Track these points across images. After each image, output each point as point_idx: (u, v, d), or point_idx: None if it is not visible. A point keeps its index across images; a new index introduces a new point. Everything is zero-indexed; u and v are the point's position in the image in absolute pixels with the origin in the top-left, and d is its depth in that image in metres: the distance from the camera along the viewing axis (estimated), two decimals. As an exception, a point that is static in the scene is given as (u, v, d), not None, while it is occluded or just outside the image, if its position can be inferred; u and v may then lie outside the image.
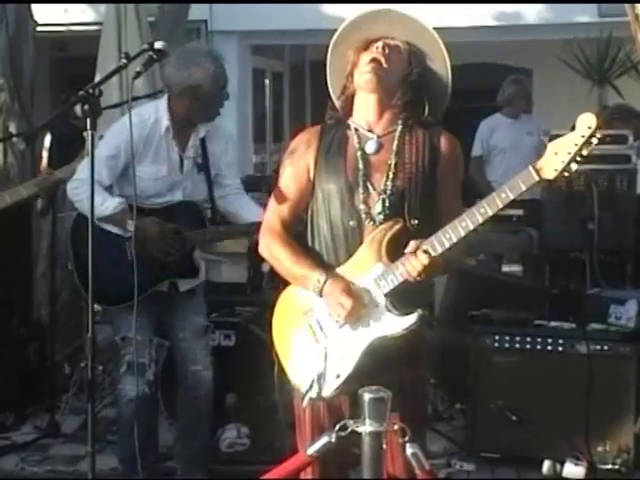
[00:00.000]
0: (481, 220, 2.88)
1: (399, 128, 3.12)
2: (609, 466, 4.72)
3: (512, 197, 2.85)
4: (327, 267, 3.10)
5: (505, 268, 7.67)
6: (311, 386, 3.05)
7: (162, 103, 4.35)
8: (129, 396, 4.26)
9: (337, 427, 2.72)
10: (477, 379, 4.97)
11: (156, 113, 4.31)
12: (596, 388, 4.67)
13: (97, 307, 4.40)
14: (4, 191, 4.83)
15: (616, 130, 6.55)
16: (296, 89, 13.00)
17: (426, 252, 2.89)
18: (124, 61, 3.31)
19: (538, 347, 4.89)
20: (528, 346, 4.91)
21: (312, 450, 2.79)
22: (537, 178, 2.83)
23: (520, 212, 6.70)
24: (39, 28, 7.02)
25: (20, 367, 5.79)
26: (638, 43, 6.53)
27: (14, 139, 6.37)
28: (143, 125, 4.22)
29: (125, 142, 4.13)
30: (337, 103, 3.22)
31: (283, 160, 3.27)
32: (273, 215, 3.23)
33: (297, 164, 3.19)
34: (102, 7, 7.16)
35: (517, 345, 4.92)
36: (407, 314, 2.97)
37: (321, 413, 3.15)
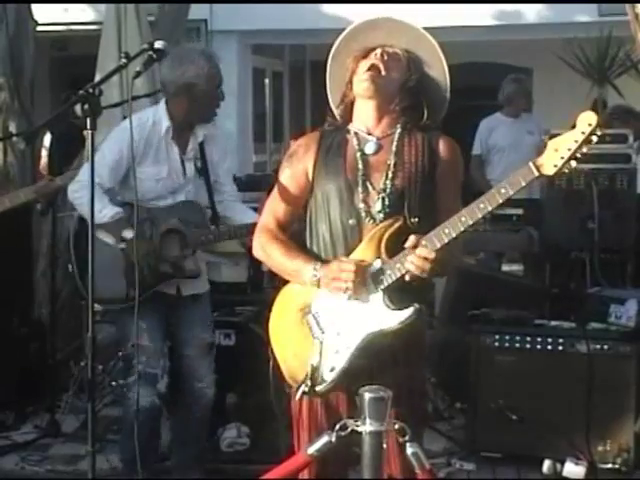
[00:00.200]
0: (480, 216, 2.90)
1: (398, 131, 3.14)
2: (609, 465, 4.72)
3: (512, 193, 2.86)
4: (322, 262, 3.11)
5: (505, 267, 7.67)
6: (304, 380, 3.05)
7: (160, 106, 4.37)
8: (139, 406, 4.14)
9: (337, 427, 2.72)
10: (477, 378, 4.97)
11: (154, 116, 4.32)
12: (596, 387, 4.67)
13: (97, 307, 4.41)
14: (4, 195, 4.84)
15: (616, 129, 6.55)
16: (296, 89, 13.01)
17: (425, 249, 2.90)
18: (124, 61, 3.31)
19: (538, 346, 4.89)
20: (528, 345, 4.91)
21: (312, 450, 2.79)
22: (537, 174, 2.84)
23: (520, 211, 6.70)
24: (39, 28, 7.02)
25: (20, 366, 5.79)
26: (638, 42, 6.53)
27: (14, 138, 6.38)
28: (142, 127, 4.23)
29: (126, 144, 4.14)
30: (336, 112, 3.24)
31: (282, 163, 3.29)
32: (268, 216, 3.25)
33: (295, 167, 3.20)
34: (102, 7, 7.15)
35: (517, 344, 4.92)
36: (403, 308, 2.97)
37: (319, 413, 3.15)
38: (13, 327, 5.88)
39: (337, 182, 3.11)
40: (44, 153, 5.46)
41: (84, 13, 10.41)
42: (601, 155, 6.35)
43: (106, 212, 4.19)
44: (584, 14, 10.20)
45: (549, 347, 4.87)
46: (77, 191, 4.25)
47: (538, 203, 6.85)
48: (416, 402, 3.20)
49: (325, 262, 3.10)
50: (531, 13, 10.45)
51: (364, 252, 3.05)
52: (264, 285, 5.61)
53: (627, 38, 7.22)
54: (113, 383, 5.65)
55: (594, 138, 2.80)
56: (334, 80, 3.24)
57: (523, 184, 2.86)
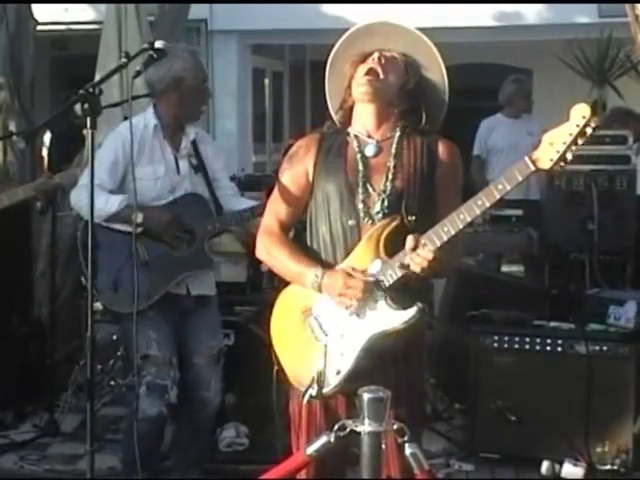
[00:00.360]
0: (478, 212, 2.89)
1: (397, 134, 3.15)
2: (608, 467, 4.72)
3: (509, 188, 2.85)
4: (325, 265, 3.12)
5: (504, 268, 7.67)
6: (311, 384, 3.05)
7: (149, 111, 4.39)
8: (146, 416, 4.15)
9: (336, 427, 2.73)
10: (476, 379, 4.97)
11: (145, 119, 4.35)
12: (595, 388, 4.67)
13: (97, 306, 4.41)
14: (2, 193, 4.84)
15: (616, 131, 6.56)
16: (296, 89, 13.01)
17: (425, 247, 2.90)
18: (124, 60, 3.32)
19: (537, 347, 4.89)
20: (527, 346, 4.91)
21: (311, 450, 2.79)
22: (533, 168, 2.84)
23: (520, 212, 6.70)
24: (39, 27, 7.02)
25: (20, 365, 5.79)
26: (638, 44, 6.53)
27: (14, 138, 6.38)
28: (134, 130, 4.22)
29: (121, 147, 4.22)
30: (336, 117, 3.25)
31: (282, 164, 3.30)
32: (271, 217, 3.26)
33: (296, 168, 3.22)
34: (102, 6, 7.15)
35: (516, 345, 4.92)
36: (406, 308, 2.98)
37: (317, 414, 3.16)
38: (12, 326, 5.88)
39: (337, 183, 3.12)
40: (45, 153, 5.45)
41: (84, 13, 10.42)
42: (601, 156, 6.36)
43: (112, 202, 4.21)
44: (584, 15, 10.21)
45: (548, 348, 4.87)
46: (80, 194, 4.26)
47: (538, 204, 6.85)
48: (415, 402, 3.21)
49: (327, 265, 3.11)
50: (531, 14, 10.46)
51: (363, 252, 3.06)
52: (263, 285, 5.61)
53: (627, 39, 7.22)
54: (112, 383, 5.65)
55: (588, 130, 2.78)
56: (333, 87, 3.25)
57: (520, 179, 2.85)
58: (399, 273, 2.97)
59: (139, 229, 4.18)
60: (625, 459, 4.71)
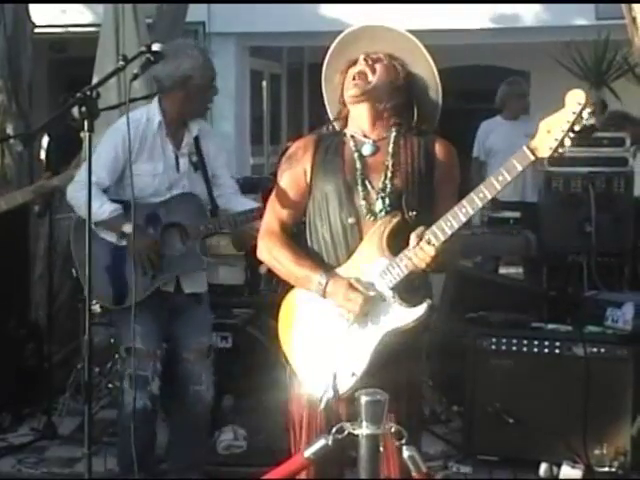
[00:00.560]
0: (480, 205, 2.90)
1: (393, 134, 3.17)
2: (606, 468, 4.72)
3: (509, 179, 2.86)
4: (327, 268, 3.12)
5: (502, 270, 7.68)
6: (327, 388, 3.05)
7: (153, 104, 4.38)
8: (131, 409, 4.16)
9: (334, 430, 2.73)
10: (474, 381, 4.97)
11: (148, 113, 4.34)
12: (593, 390, 4.67)
13: (95, 309, 4.42)
14: (0, 197, 4.84)
15: (613, 133, 6.56)
16: (294, 91, 13.02)
17: (429, 242, 2.91)
18: (122, 63, 3.32)
19: (535, 349, 4.89)
20: (525, 348, 4.90)
21: (309, 452, 2.79)
22: (532, 157, 2.84)
23: (517, 214, 6.71)
24: (37, 29, 7.02)
25: (17, 368, 5.78)
26: (635, 46, 6.53)
27: (11, 141, 6.37)
28: (136, 125, 4.23)
29: (121, 142, 4.20)
30: (336, 125, 3.28)
31: (280, 166, 3.31)
32: (272, 218, 3.26)
33: (294, 169, 3.23)
34: (100, 8, 7.15)
35: (514, 347, 4.92)
36: (415, 305, 2.98)
37: (318, 416, 3.16)
38: (10, 329, 5.87)
39: (336, 182, 3.14)
40: (43, 155, 5.45)
41: (82, 15, 10.42)
42: (598, 158, 6.36)
43: (105, 209, 4.20)
44: (582, 17, 10.22)
45: (546, 350, 4.87)
46: (76, 191, 4.27)
47: (535, 206, 6.85)
48: (416, 402, 3.25)
49: (330, 266, 3.11)
50: (529, 16, 10.47)
51: (365, 251, 3.07)
52: (261, 288, 5.61)
53: (624, 41, 7.22)
54: (110, 385, 5.65)
55: (585, 115, 2.79)
56: (330, 98, 3.29)
57: (520, 169, 2.85)
58: (405, 271, 2.98)
59: (124, 241, 4.20)
60: (623, 461, 4.71)
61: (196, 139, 4.42)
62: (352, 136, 3.20)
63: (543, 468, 4.76)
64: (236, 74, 11.21)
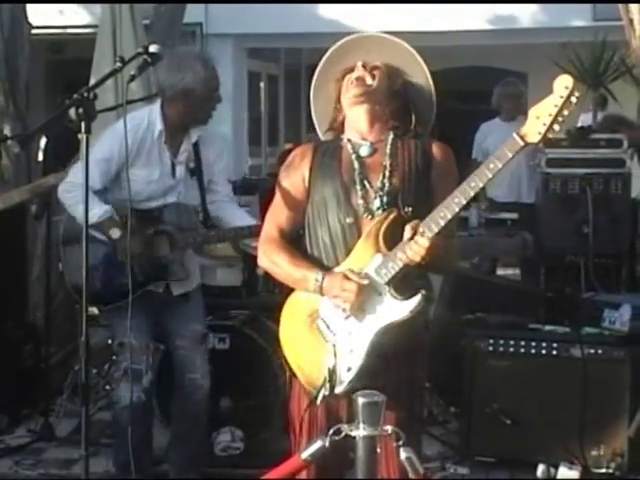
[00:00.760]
0: (472, 194, 2.92)
1: (390, 137, 3.19)
2: (603, 470, 4.72)
3: (500, 166, 2.89)
4: (325, 268, 3.14)
5: (500, 271, 7.69)
6: (323, 384, 3.06)
7: (155, 108, 4.36)
8: (125, 403, 4.22)
9: (331, 431, 2.73)
10: (472, 383, 4.97)
11: (149, 117, 4.32)
12: (590, 392, 4.67)
13: (92, 310, 4.41)
14: None
15: (610, 135, 6.57)
16: (291, 92, 13.03)
17: (423, 234, 2.92)
18: (119, 64, 3.32)
19: (533, 351, 4.89)
20: (523, 350, 4.91)
21: (306, 454, 2.79)
22: (522, 143, 2.87)
23: (515, 216, 6.72)
24: (35, 30, 7.02)
25: (15, 369, 5.78)
26: (632, 47, 6.55)
27: (9, 142, 6.37)
28: (136, 129, 4.23)
29: (118, 145, 4.15)
30: (324, 137, 3.32)
31: (279, 174, 3.34)
32: (271, 225, 3.29)
33: (293, 175, 3.26)
34: (98, 9, 7.16)
35: (512, 349, 4.92)
36: (410, 298, 2.99)
37: (319, 416, 3.17)
38: (7, 330, 5.87)
39: (333, 184, 3.16)
40: (41, 157, 5.44)
41: (79, 16, 10.43)
42: (595, 160, 6.38)
43: (95, 211, 4.17)
44: (579, 19, 10.23)
45: (543, 352, 4.87)
46: (68, 191, 4.27)
47: (533, 208, 6.86)
48: (416, 402, 3.27)
49: (329, 269, 3.13)
50: (526, 18, 10.47)
51: (363, 249, 3.08)
52: (259, 289, 5.61)
53: (622, 43, 7.24)
54: (107, 387, 5.64)
55: (573, 100, 2.84)
56: (319, 109, 3.32)
57: (510, 155, 2.89)
58: (400, 264, 2.99)
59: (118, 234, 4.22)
60: (620, 462, 4.71)
61: (195, 145, 4.41)
62: (349, 140, 3.22)
63: (540, 469, 4.76)
64: (234, 75, 11.21)
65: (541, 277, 6.48)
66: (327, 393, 3.06)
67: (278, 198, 3.29)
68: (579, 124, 7.97)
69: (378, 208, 3.10)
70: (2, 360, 5.64)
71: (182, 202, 4.39)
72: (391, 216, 3.06)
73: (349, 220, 3.12)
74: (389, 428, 2.71)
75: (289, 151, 3.46)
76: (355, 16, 10.31)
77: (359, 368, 3.02)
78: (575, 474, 4.69)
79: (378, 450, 2.69)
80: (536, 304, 5.69)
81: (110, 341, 5.04)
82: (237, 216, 4.51)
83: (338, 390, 3.05)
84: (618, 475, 4.71)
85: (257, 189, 5.83)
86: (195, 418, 4.51)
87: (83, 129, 3.12)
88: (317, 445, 2.77)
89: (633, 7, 6.88)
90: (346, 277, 3.04)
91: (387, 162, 3.15)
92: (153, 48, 3.36)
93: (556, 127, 2.85)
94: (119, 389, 4.33)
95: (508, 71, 10.59)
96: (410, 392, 3.18)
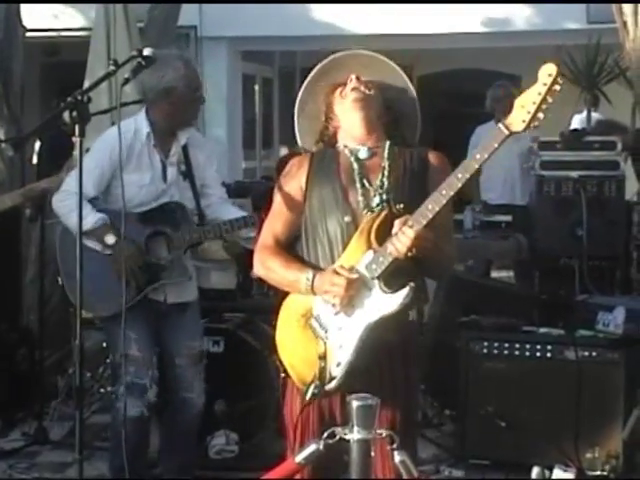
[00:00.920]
0: (460, 185, 2.94)
1: (387, 143, 3.24)
2: (598, 472, 4.72)
3: (486, 156, 2.92)
4: (322, 269, 3.15)
5: (494, 274, 7.69)
6: (313, 380, 3.07)
7: (140, 115, 4.37)
8: (127, 416, 4.11)
9: (325, 434, 2.73)
10: (466, 385, 4.97)
11: (135, 124, 4.32)
12: (585, 394, 4.68)
13: (85, 314, 4.40)
14: None
15: (604, 137, 6.59)
16: (286, 95, 13.00)
17: (411, 226, 2.95)
18: (113, 68, 3.32)
19: (527, 353, 4.89)
20: (517, 352, 4.91)
21: (300, 458, 2.79)
22: (507, 132, 2.91)
23: (509, 218, 6.73)
24: (29, 34, 7.02)
25: (9, 373, 5.77)
26: (626, 49, 6.56)
27: (3, 145, 6.37)
28: (124, 135, 4.20)
29: (108, 154, 4.20)
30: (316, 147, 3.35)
31: (277, 183, 3.36)
32: (267, 234, 3.31)
33: (289, 184, 3.28)
34: (92, 13, 7.15)
35: (506, 351, 4.93)
36: (399, 290, 3.01)
37: (312, 420, 3.18)
38: (2, 333, 5.86)
39: (332, 185, 3.19)
40: (35, 160, 5.44)
41: (74, 19, 10.41)
42: (589, 162, 6.39)
43: (88, 219, 4.16)
44: (573, 21, 10.24)
45: (538, 354, 4.88)
46: (62, 200, 4.26)
47: (527, 210, 6.87)
48: (413, 405, 3.28)
49: (321, 270, 3.14)
50: (520, 20, 10.48)
51: (355, 247, 3.10)
52: (253, 292, 5.61)
53: (615, 45, 7.25)
54: (102, 390, 5.64)
55: (556, 87, 2.87)
56: (305, 127, 3.38)
57: (496, 145, 2.92)
58: (389, 258, 3.01)
59: (108, 250, 4.20)
60: (615, 464, 4.71)
61: (185, 148, 4.41)
62: (346, 146, 3.26)
63: (535, 472, 4.76)
64: (228, 78, 11.20)
65: (535, 279, 6.49)
66: (316, 391, 3.07)
67: (275, 207, 3.32)
68: (572, 126, 7.99)
69: (378, 205, 3.13)
70: (-4, 363, 5.63)
71: (175, 201, 4.38)
72: (382, 214, 3.08)
73: (347, 219, 3.14)
74: (383, 431, 2.71)
75: (286, 157, 3.49)
76: (349, 19, 10.31)
77: (348, 363, 3.03)
78: (570, 476, 4.70)
79: (372, 453, 2.69)
80: (530, 306, 5.70)
81: (104, 344, 5.06)
82: (232, 212, 4.50)
83: (328, 387, 3.06)
84: (613, 477, 4.71)
85: (251, 192, 5.82)
86: (187, 433, 4.49)
87: (77, 132, 3.12)
88: (311, 448, 2.77)
89: (627, 9, 6.88)
90: (335, 272, 3.06)
91: (386, 163, 3.19)
92: (147, 51, 3.36)
93: (540, 115, 2.89)
94: (121, 402, 4.17)
95: (502, 74, 10.60)
96: (404, 394, 3.19)
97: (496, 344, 4.93)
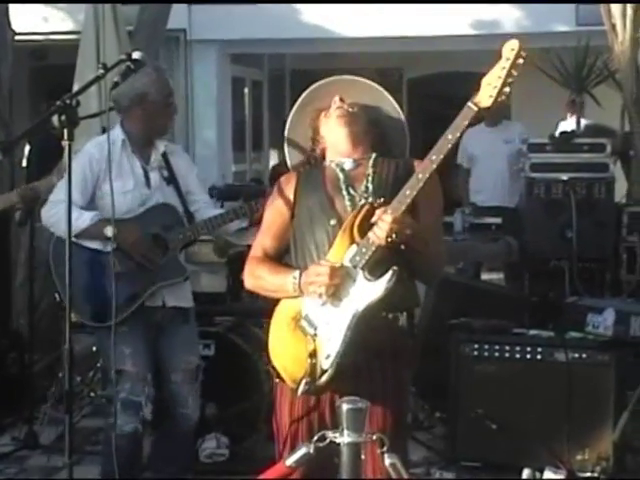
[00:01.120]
0: (434, 166, 3.00)
1: (373, 155, 3.28)
2: (588, 474, 4.73)
3: (458, 135, 2.99)
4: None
5: (484, 276, 7.70)
6: (304, 376, 3.07)
7: (116, 127, 4.36)
8: (122, 432, 4.10)
9: (316, 438, 2.73)
10: (457, 387, 4.98)
11: (112, 136, 4.26)
12: (575, 396, 4.69)
13: (76, 317, 4.38)
14: None
15: (594, 139, 6.60)
16: (276, 97, 13.01)
17: (390, 213, 2.99)
18: (101, 71, 3.32)
19: (517, 355, 4.90)
20: (507, 354, 4.92)
21: (291, 461, 2.79)
22: (475, 109, 2.98)
23: (499, 220, 6.73)
24: (18, 37, 7.00)
25: (-2, 377, 5.76)
26: (615, 52, 6.58)
27: (-9, 149, 6.34)
28: (101, 145, 4.21)
29: (88, 164, 4.22)
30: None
31: (267, 201, 3.44)
32: (257, 247, 3.36)
33: (279, 199, 3.33)
34: (81, 16, 7.14)
35: (497, 353, 4.93)
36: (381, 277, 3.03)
37: (303, 422, 3.18)
38: (-9, 338, 5.85)
39: (318, 196, 3.23)
40: (25, 163, 5.43)
41: (63, 23, 10.40)
42: (579, 164, 6.40)
43: (85, 217, 4.17)
44: (562, 24, 10.27)
45: (528, 356, 4.88)
46: (51, 209, 4.24)
47: (517, 212, 6.88)
48: (402, 404, 3.28)
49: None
50: (509, 23, 10.51)
51: (340, 243, 3.12)
52: (243, 295, 5.59)
53: (604, 47, 7.28)
54: (92, 394, 5.63)
55: (520, 61, 2.97)
56: (293, 152, 3.45)
57: (465, 123, 2.99)
58: (372, 248, 3.03)
59: (109, 246, 4.18)
60: (605, 466, 4.71)
61: (164, 155, 4.41)
62: (332, 160, 3.31)
63: (526, 473, 4.76)
64: (217, 81, 11.21)
65: (525, 281, 6.50)
66: (308, 387, 3.07)
67: (264, 222, 3.38)
68: (558, 131, 8.01)
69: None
70: (-14, 368, 5.61)
71: (163, 202, 4.37)
72: (363, 210, 3.11)
73: (332, 222, 3.17)
74: (373, 435, 2.71)
75: (279, 167, 3.52)
76: (338, 22, 10.32)
77: (337, 354, 3.03)
78: (560, 478, 4.70)
79: (362, 456, 2.69)
80: (521, 308, 5.71)
81: (94, 348, 5.04)
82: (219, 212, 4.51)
83: (319, 382, 3.06)
84: (603, 479, 4.71)
85: (241, 195, 5.81)
86: (180, 445, 4.45)
87: (66, 136, 3.12)
88: (302, 451, 2.77)
89: (615, 12, 6.91)
90: (318, 263, 3.11)
91: (370, 171, 3.23)
92: (136, 55, 3.37)
93: (506, 89, 2.97)
94: (117, 417, 4.11)
95: (492, 76, 10.61)
96: (395, 397, 3.20)
97: (486, 346, 4.94)
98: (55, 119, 3.14)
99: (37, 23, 10.33)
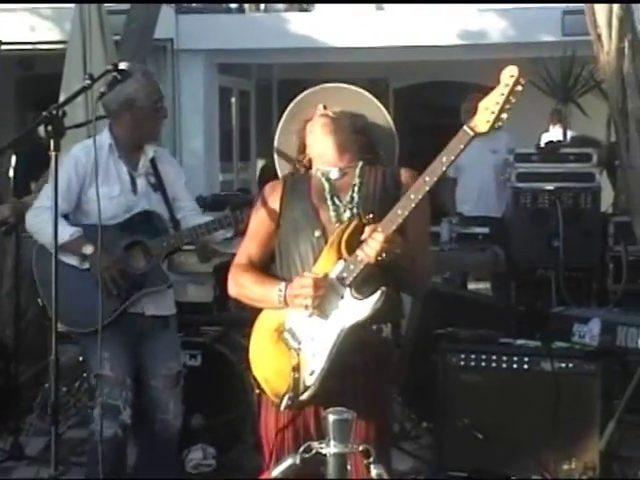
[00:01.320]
0: (427, 189, 2.99)
1: (360, 163, 3.28)
2: (575, 483, 4.73)
3: (453, 158, 3.02)
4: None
5: (471, 286, 7.70)
6: (287, 391, 3.07)
7: (104, 132, 4.36)
8: (102, 438, 4.03)
9: (301, 449, 2.73)
10: (444, 397, 4.97)
11: (99, 140, 4.26)
12: (561, 406, 4.69)
13: (61, 327, 4.37)
14: None
15: (580, 149, 6.62)
16: (263, 107, 13.02)
17: (381, 232, 2.98)
18: (88, 82, 3.31)
19: (504, 365, 4.90)
20: (494, 364, 4.91)
21: (277, 472, 2.78)
22: (472, 134, 3.01)
23: (486, 230, 6.75)
24: (5, 46, 6.99)
25: (-16, 388, 5.73)
26: (601, 62, 6.60)
27: (-23, 158, 6.32)
28: (88, 150, 4.19)
29: (74, 168, 4.21)
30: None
31: (253, 209, 3.42)
32: (241, 255, 3.35)
33: (264, 208, 3.33)
34: (68, 25, 7.13)
35: (483, 363, 4.93)
36: (370, 296, 3.02)
37: (289, 433, 3.18)
38: (-23, 348, 5.82)
39: (302, 205, 3.22)
40: (12, 173, 5.42)
41: (50, 32, 10.39)
42: (565, 174, 6.42)
43: (64, 232, 4.12)
44: (548, 34, 10.31)
45: (515, 366, 4.88)
46: (36, 216, 4.23)
47: (503, 222, 6.89)
48: (387, 414, 3.31)
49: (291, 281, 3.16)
50: (495, 33, 10.54)
51: (326, 258, 3.11)
52: (230, 305, 5.59)
53: (590, 57, 7.28)
54: (78, 405, 5.60)
55: (519, 88, 2.93)
56: (284, 163, 3.44)
57: (461, 147, 3.02)
58: (360, 265, 3.02)
59: (86, 264, 4.18)
60: (592, 475, 4.71)
61: (152, 161, 4.40)
62: (318, 169, 3.30)
63: (512, 483, 4.77)
64: (205, 91, 11.21)
65: (512, 291, 6.51)
66: (290, 402, 3.07)
67: (249, 230, 3.37)
68: (542, 142, 8.04)
69: (349, 218, 3.15)
70: (-29, 378, 5.58)
71: (148, 209, 4.36)
72: (353, 224, 3.10)
73: (317, 233, 3.16)
74: (359, 445, 2.71)
75: (267, 169, 3.52)
76: (326, 32, 10.34)
77: (321, 370, 3.04)
78: (547, 488, 4.71)
79: (348, 467, 2.69)
80: (507, 318, 5.71)
81: (81, 359, 5.02)
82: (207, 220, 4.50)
83: (302, 397, 3.07)
84: (590, 488, 4.72)
85: (228, 204, 5.80)
86: (163, 452, 4.43)
87: (52, 147, 3.11)
88: (288, 462, 2.76)
89: (601, 22, 6.93)
90: (303, 275, 3.10)
91: (356, 181, 3.22)
92: (123, 65, 3.37)
93: (504, 116, 2.96)
94: (96, 424, 4.13)
95: (479, 85, 10.63)
96: (379, 406, 3.20)
97: (473, 356, 4.93)
98: (41, 130, 3.14)
99: (24, 33, 10.31)
